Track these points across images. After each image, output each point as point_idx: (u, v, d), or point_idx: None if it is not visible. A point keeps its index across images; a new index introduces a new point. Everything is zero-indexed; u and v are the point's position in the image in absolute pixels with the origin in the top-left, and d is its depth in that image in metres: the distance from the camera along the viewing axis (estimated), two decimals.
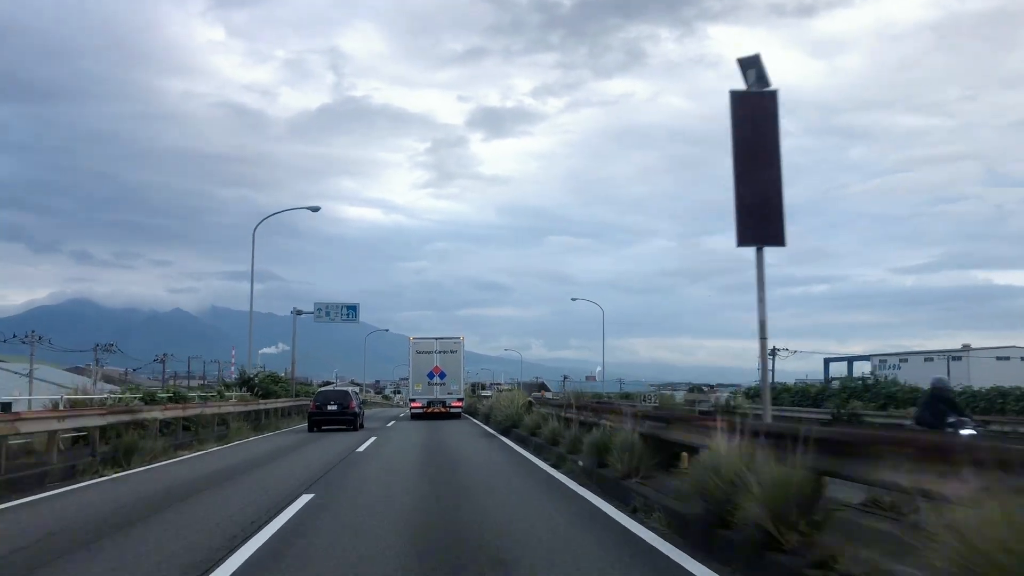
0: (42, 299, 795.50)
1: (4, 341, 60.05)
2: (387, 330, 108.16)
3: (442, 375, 36.46)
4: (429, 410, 36.01)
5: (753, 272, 10.40)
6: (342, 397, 29.23)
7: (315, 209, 41.08)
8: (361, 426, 29.18)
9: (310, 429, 27.89)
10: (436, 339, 37.75)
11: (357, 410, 28.66)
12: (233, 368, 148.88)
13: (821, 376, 71.46)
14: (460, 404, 37.31)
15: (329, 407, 28.08)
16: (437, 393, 36.42)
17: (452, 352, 36.94)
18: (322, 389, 32.44)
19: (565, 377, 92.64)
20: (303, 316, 46.87)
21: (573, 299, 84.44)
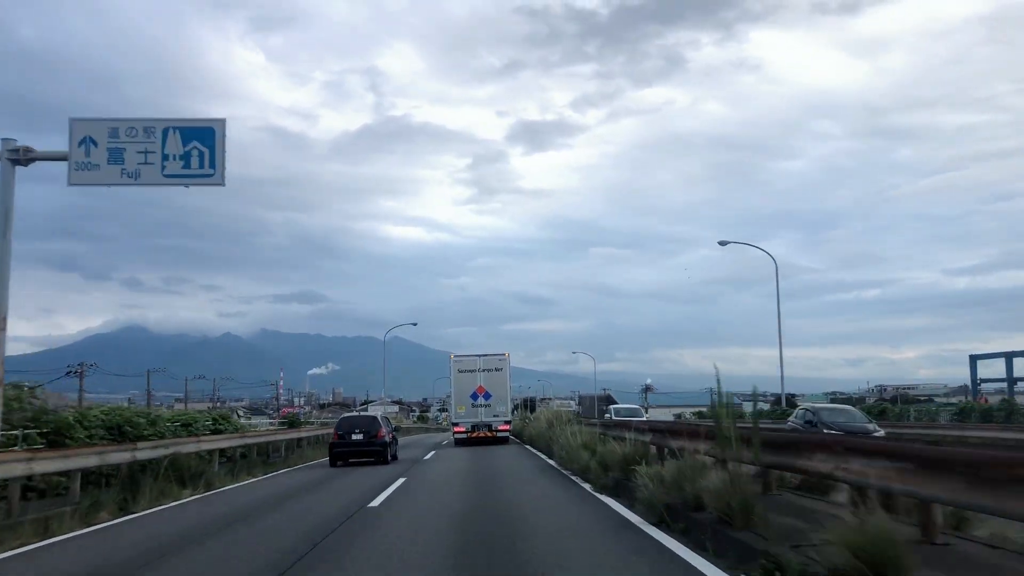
0: (97, 327, 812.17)
1: (68, 373, 61.39)
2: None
3: (487, 396, 33.74)
4: (474, 435, 33.33)
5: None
6: (369, 424, 24.99)
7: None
8: (393, 458, 25.09)
9: (332, 463, 24.08)
10: (479, 356, 34.59)
11: (387, 439, 24.56)
12: (282, 390, 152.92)
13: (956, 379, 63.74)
14: (508, 427, 34.71)
15: (354, 436, 24.22)
16: (482, 416, 33.67)
17: (497, 370, 34.08)
18: (346, 416, 27.76)
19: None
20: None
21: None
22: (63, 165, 13.88)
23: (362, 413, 29.90)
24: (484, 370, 34.12)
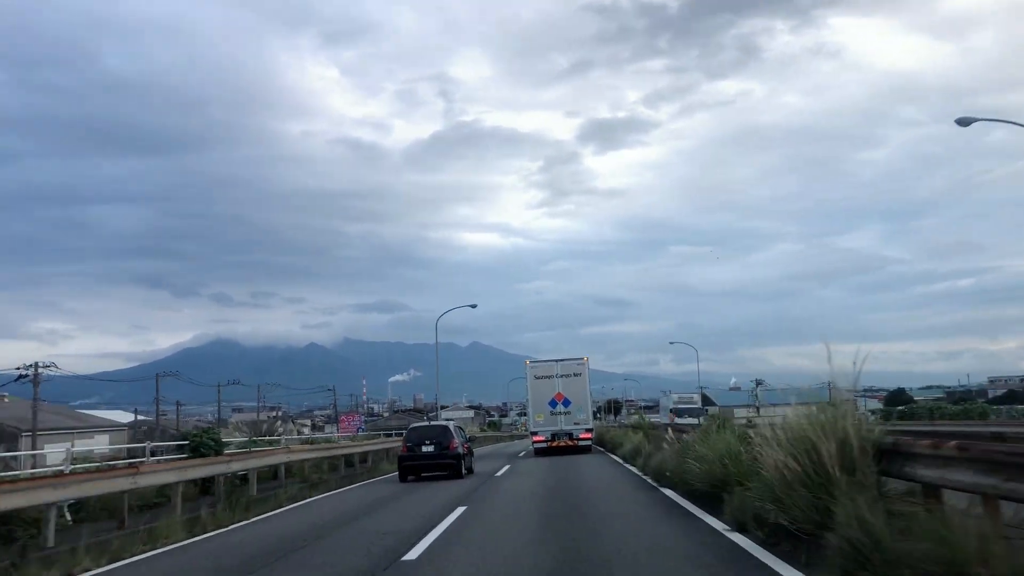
0: (187, 342, 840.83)
1: (164, 375, 63.72)
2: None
3: (566, 403, 32.02)
4: (554, 444, 31.74)
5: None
6: (440, 435, 22.73)
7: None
8: (468, 471, 22.87)
9: (401, 478, 22.18)
10: (556, 361, 32.85)
11: (460, 450, 22.28)
12: (365, 398, 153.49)
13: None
14: (589, 436, 32.66)
15: (424, 448, 22.20)
16: (562, 424, 31.95)
17: (576, 375, 32.38)
18: (415, 426, 25.35)
19: None
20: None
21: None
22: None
23: (432, 423, 26.83)
24: (562, 376, 32.30)
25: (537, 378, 32.59)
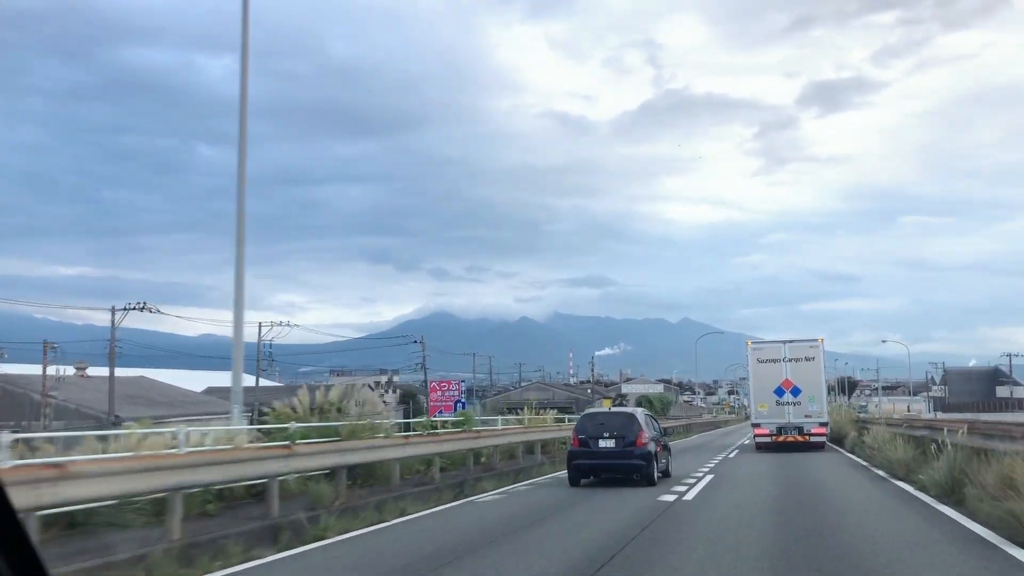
0: (408, 314, 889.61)
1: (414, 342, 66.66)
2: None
3: (795, 391, 27.60)
4: (780, 439, 27.45)
5: None
6: (623, 426, 17.13)
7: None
8: (664, 475, 17.87)
9: (572, 481, 17.18)
10: (784, 343, 28.71)
11: (649, 447, 16.84)
12: (572, 371, 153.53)
13: None
14: (824, 431, 27.96)
15: (602, 443, 16.99)
16: (790, 416, 27.56)
17: (808, 360, 27.90)
18: (590, 412, 20.10)
19: None
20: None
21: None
22: None
23: (614, 409, 20.57)
24: (791, 359, 27.88)
25: (760, 362, 28.47)
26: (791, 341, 28.67)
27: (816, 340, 28.41)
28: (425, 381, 63.98)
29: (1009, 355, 73.47)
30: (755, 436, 28.50)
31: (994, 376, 77.46)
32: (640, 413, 18.12)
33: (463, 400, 49.09)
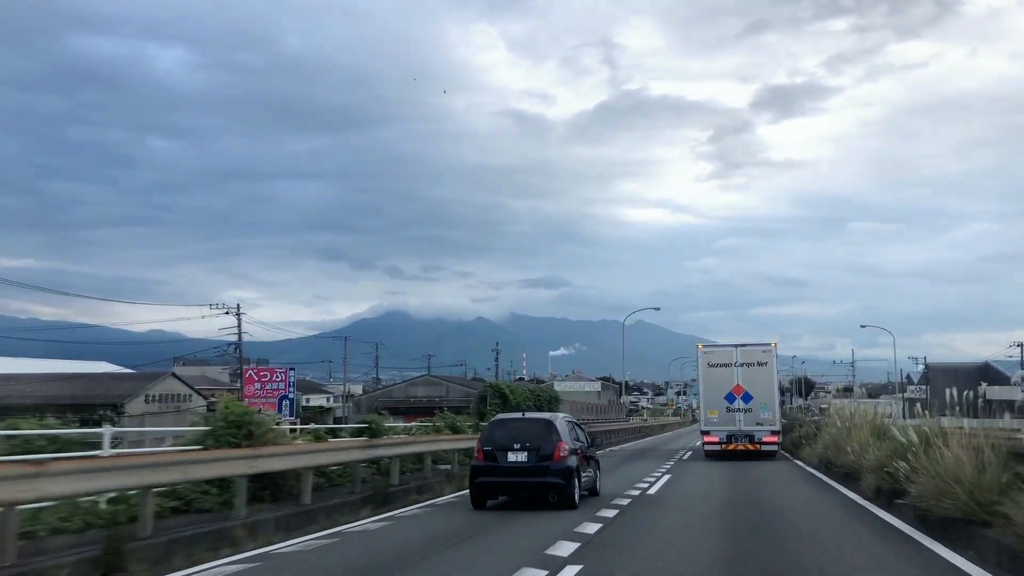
0: (363, 312, 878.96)
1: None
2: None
3: (746, 397, 26.53)
4: (730, 447, 26.43)
5: None
6: (539, 436, 13.93)
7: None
8: (591, 493, 15.25)
9: (476, 502, 14.03)
10: (736, 347, 27.50)
11: (569, 462, 13.75)
12: (525, 371, 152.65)
13: None
14: (776, 439, 26.82)
15: (511, 457, 13.71)
16: (741, 423, 26.48)
17: (761, 365, 26.84)
18: (500, 418, 16.06)
19: None
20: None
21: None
22: None
23: (529, 415, 17.48)
24: (743, 364, 26.81)
25: (711, 366, 27.36)
26: (743, 345, 27.58)
27: (769, 344, 27.44)
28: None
29: (1020, 344, 65.59)
30: (704, 443, 27.51)
31: (984, 373, 68.63)
32: (560, 419, 14.85)
33: (291, 395, 38.56)
